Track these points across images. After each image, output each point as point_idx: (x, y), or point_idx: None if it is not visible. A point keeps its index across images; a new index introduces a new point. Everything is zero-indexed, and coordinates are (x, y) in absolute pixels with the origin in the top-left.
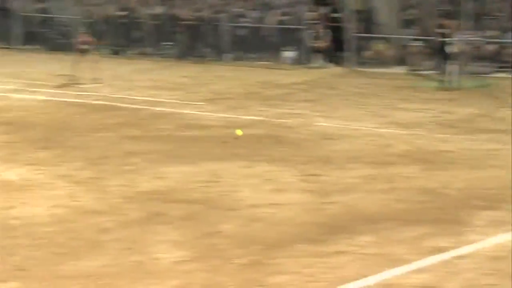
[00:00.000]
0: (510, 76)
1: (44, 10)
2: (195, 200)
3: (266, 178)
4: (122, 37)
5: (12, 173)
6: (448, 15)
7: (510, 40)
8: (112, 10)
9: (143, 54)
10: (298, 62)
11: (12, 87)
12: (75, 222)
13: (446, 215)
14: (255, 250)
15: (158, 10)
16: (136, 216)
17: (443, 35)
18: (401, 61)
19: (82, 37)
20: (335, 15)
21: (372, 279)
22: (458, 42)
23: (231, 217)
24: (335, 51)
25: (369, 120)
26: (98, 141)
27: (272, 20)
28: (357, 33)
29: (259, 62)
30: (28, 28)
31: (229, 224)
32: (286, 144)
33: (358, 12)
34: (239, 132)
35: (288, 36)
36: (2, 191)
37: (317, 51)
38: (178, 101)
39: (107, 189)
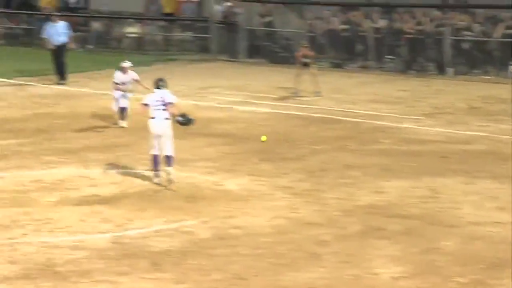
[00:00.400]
0: None
1: (268, 24)
2: (413, 216)
3: (488, 195)
4: (344, 50)
5: (233, 183)
6: None
7: None
8: (335, 24)
9: (364, 68)
10: None
11: (236, 99)
12: (294, 234)
13: None
14: (476, 269)
15: (381, 23)
16: (354, 230)
17: None
18: None
19: (303, 51)
20: None
21: None
22: None
23: (451, 234)
24: None
25: None
26: (317, 153)
27: (498, 33)
28: None
29: (482, 77)
30: (253, 41)
31: (449, 241)
32: (510, 161)
33: None
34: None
35: None
36: (223, 201)
37: None
38: (397, 115)
39: (326, 202)
